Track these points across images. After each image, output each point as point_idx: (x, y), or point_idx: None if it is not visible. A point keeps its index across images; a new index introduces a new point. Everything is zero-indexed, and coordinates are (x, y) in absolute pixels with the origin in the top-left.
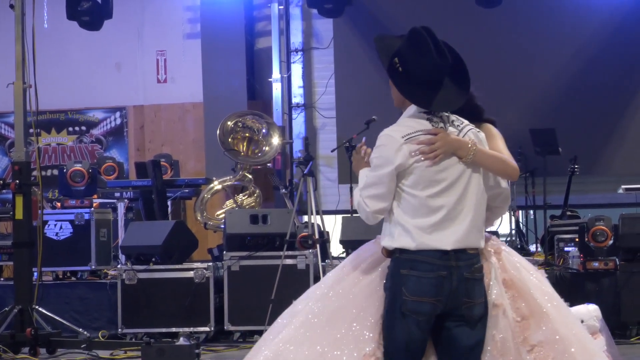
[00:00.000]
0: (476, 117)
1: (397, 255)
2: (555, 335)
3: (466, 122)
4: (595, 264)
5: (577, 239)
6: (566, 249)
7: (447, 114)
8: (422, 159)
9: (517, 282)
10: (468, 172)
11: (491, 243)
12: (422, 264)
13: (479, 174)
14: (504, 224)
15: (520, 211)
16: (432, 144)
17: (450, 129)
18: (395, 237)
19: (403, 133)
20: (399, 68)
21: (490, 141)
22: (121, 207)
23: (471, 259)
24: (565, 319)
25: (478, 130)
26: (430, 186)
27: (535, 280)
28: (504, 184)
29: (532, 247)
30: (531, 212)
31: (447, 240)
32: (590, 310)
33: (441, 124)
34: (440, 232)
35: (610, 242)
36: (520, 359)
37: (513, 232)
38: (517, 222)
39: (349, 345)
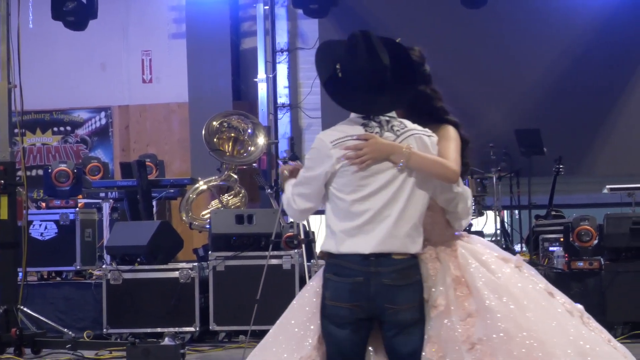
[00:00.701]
0: (436, 119)
1: (326, 259)
2: (497, 331)
3: (413, 127)
4: (580, 264)
5: (561, 239)
6: (551, 248)
7: (387, 118)
8: (349, 164)
9: (469, 279)
10: (401, 177)
11: (452, 242)
12: (342, 268)
13: (418, 179)
14: (489, 224)
15: (505, 211)
16: (359, 150)
17: (387, 134)
18: (324, 240)
19: (333, 138)
20: (339, 74)
21: (440, 143)
22: (106, 208)
23: (395, 264)
24: (518, 314)
25: (430, 134)
26: (357, 191)
27: (487, 276)
28: (457, 188)
29: (517, 247)
30: (516, 212)
31: (366, 244)
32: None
33: (377, 129)
34: (361, 235)
35: (595, 242)
36: (460, 358)
37: (498, 231)
38: (502, 222)
39: (292, 350)
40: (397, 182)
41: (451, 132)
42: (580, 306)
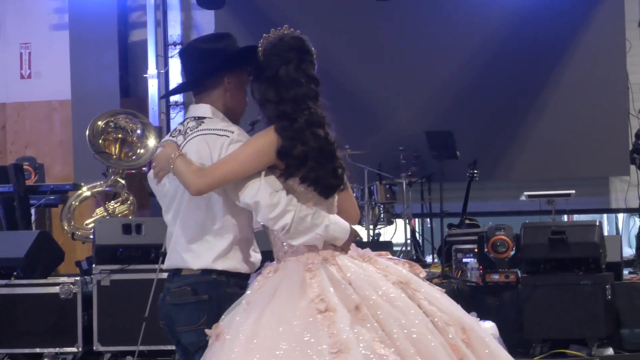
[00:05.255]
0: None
1: None
2: None
3: (208, 127)
4: (496, 277)
5: (476, 250)
6: (465, 260)
7: (189, 120)
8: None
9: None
10: (182, 187)
11: (291, 263)
12: None
13: None
14: (398, 233)
15: (416, 219)
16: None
17: (179, 139)
18: None
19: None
20: None
21: None
22: None
23: (178, 281)
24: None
25: (225, 134)
26: (163, 204)
27: (244, 310)
28: (244, 198)
29: (429, 258)
30: (428, 220)
31: (167, 260)
32: (486, 328)
33: (177, 134)
34: (169, 251)
35: (512, 253)
36: None
37: (408, 241)
38: (412, 231)
39: None
40: (179, 192)
41: (257, 136)
42: (490, 323)
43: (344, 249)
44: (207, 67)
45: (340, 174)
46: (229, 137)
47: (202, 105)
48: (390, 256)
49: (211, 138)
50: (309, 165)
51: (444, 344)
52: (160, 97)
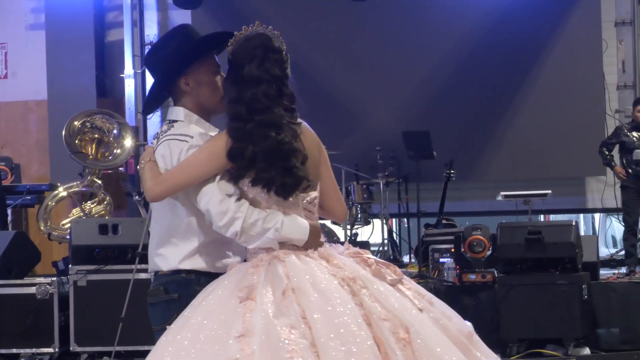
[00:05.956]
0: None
1: None
2: None
3: (174, 131)
4: (472, 276)
5: (452, 250)
6: (441, 260)
7: (165, 124)
8: None
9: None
10: None
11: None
12: None
13: None
14: (376, 233)
15: (393, 219)
16: None
17: (155, 142)
18: None
19: None
20: None
21: None
22: None
23: (154, 281)
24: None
25: (185, 139)
26: None
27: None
28: (200, 204)
29: (406, 258)
30: (405, 220)
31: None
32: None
33: (155, 138)
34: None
35: (488, 252)
36: None
37: (385, 241)
38: (389, 231)
39: None
40: None
41: (211, 139)
42: (467, 323)
43: (308, 248)
44: (160, 79)
45: (295, 172)
46: (187, 142)
47: (175, 108)
48: (369, 255)
49: (173, 143)
50: (259, 167)
51: (369, 336)
52: (142, 113)
